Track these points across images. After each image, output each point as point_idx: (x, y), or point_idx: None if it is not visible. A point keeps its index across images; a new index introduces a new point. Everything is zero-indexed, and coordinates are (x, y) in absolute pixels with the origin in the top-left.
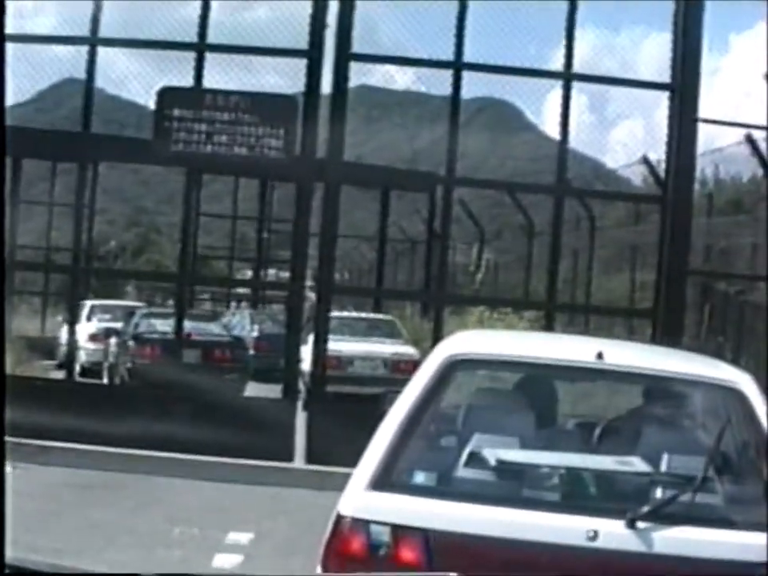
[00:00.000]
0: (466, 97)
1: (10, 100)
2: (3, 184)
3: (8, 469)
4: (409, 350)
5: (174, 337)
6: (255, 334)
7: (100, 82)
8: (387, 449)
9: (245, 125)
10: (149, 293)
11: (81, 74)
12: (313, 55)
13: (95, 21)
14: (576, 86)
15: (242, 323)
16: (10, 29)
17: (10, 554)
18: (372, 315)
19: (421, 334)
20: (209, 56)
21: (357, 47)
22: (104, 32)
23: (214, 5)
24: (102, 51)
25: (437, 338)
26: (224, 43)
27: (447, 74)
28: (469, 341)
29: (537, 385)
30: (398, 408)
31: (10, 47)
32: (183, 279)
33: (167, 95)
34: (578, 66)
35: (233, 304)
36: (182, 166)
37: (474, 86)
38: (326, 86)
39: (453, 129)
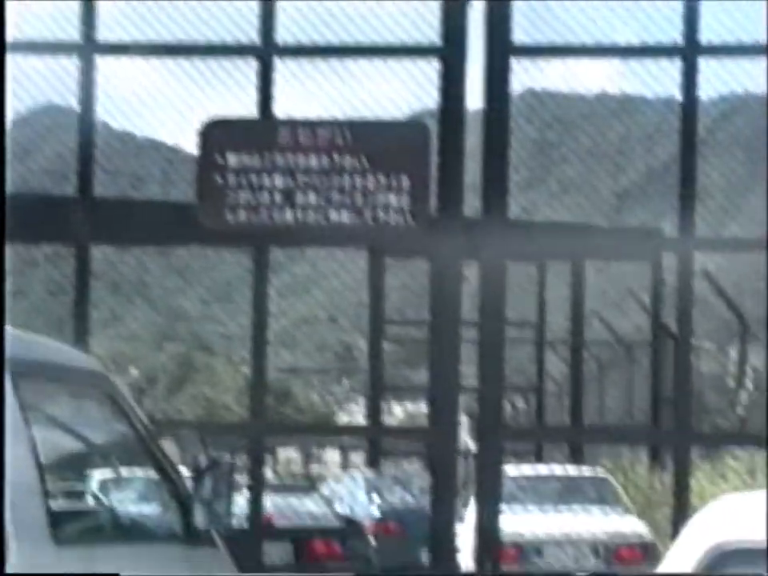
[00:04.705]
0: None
1: None
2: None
3: None
4: (635, 526)
5: (248, 524)
6: (376, 511)
7: (100, 111)
8: None
9: (345, 173)
10: (196, 450)
11: (68, 99)
12: (450, 53)
13: (88, 17)
14: None
15: (353, 494)
16: None
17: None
18: (570, 469)
19: (652, 497)
20: (280, 64)
21: (519, 34)
22: (104, 33)
23: None
24: (102, 61)
25: (679, 503)
26: (303, 43)
27: (674, 66)
28: (744, 514)
29: None
30: None
31: None
32: (257, 428)
33: (218, 132)
34: None
35: (334, 458)
36: (245, 244)
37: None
38: (473, 98)
39: (686, 152)
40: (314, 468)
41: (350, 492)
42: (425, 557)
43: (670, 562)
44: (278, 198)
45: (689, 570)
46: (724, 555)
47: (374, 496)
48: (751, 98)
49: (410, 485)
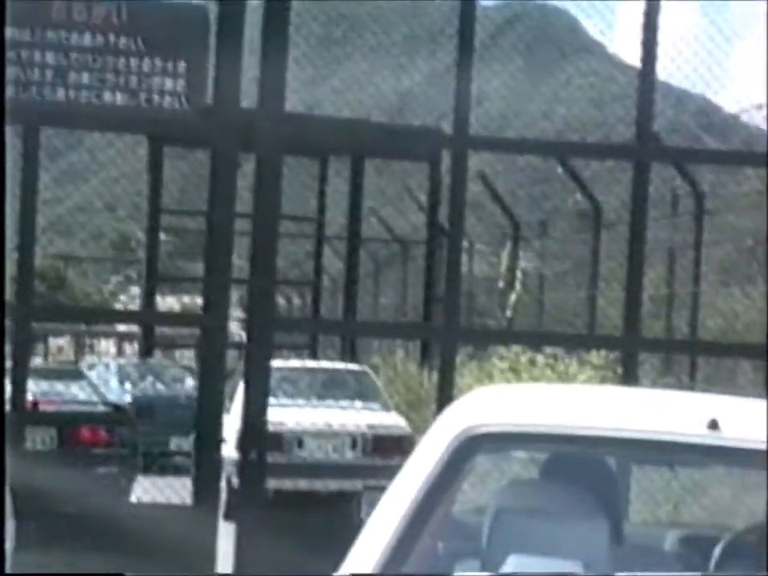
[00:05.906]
0: (488, 2)
1: None
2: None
3: None
4: (394, 420)
5: (11, 408)
6: (129, 398)
7: None
8: None
9: (120, 54)
10: None
11: None
12: None
13: None
14: None
15: (111, 381)
16: None
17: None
18: (336, 365)
19: (417, 394)
20: None
21: None
22: None
23: None
24: None
25: (443, 399)
26: None
27: None
28: (494, 403)
29: (608, 473)
30: (384, 515)
31: None
32: (23, 311)
33: None
34: None
35: (108, 348)
36: (16, 122)
37: None
38: None
39: (464, 55)
40: (86, 357)
41: (109, 379)
42: (184, 445)
43: (422, 446)
44: (49, 75)
45: (437, 453)
46: (472, 439)
47: (126, 383)
48: (532, 6)
49: (165, 374)
